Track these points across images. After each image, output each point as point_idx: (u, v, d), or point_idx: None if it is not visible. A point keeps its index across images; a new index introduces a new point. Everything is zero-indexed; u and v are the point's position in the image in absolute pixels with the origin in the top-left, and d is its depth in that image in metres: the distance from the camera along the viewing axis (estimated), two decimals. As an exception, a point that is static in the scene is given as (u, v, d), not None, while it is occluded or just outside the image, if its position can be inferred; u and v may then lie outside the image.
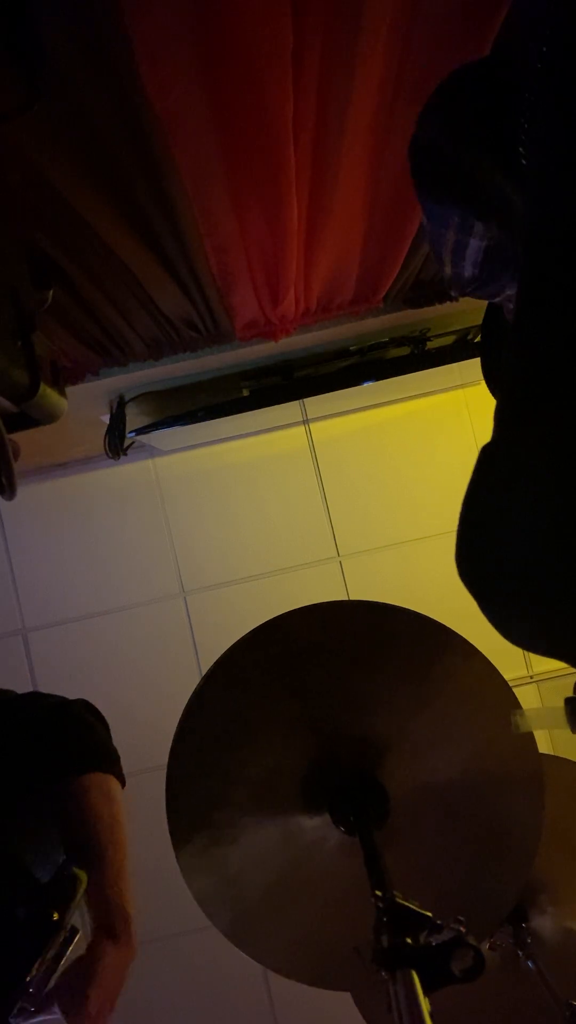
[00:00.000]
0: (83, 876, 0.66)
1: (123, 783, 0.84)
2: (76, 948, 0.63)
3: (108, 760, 0.83)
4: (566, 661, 0.45)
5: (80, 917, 0.66)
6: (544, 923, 1.14)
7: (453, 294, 0.67)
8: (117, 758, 0.85)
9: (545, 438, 0.40)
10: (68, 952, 0.61)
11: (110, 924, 0.69)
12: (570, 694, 0.69)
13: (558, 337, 0.41)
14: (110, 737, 0.88)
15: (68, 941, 0.61)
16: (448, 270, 0.63)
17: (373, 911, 0.74)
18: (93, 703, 0.94)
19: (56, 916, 0.61)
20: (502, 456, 0.44)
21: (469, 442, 2.08)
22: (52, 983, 0.59)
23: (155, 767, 0.93)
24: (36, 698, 0.87)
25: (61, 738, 0.81)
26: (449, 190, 0.56)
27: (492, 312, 0.81)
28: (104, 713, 0.95)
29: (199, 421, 1.51)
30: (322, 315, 1.26)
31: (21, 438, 0.93)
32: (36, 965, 0.57)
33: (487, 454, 0.44)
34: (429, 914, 0.70)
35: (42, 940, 0.59)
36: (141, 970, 0.72)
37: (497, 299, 0.66)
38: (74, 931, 0.62)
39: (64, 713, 0.85)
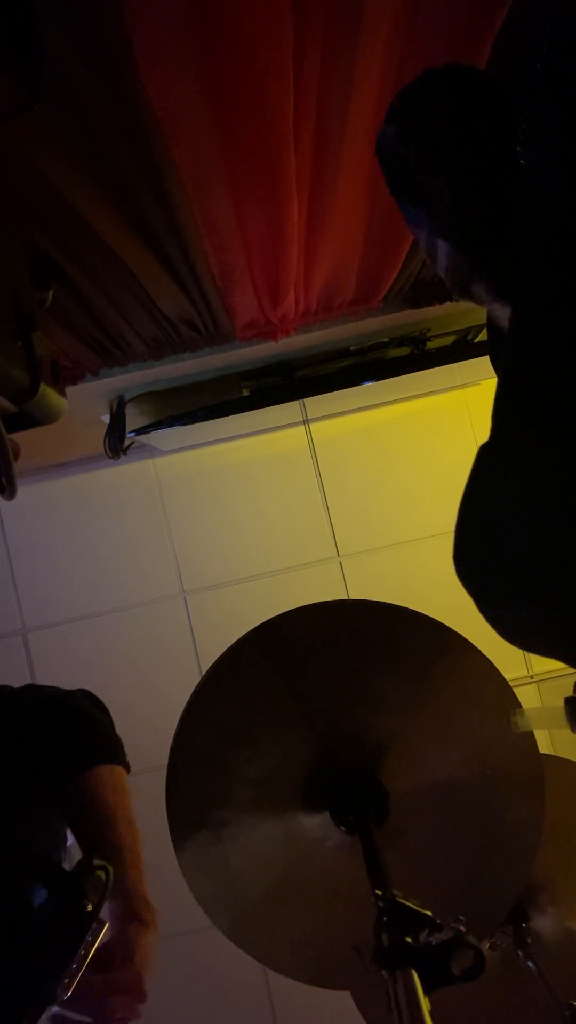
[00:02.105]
0: (110, 867, 0.67)
1: (128, 770, 0.85)
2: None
3: (114, 751, 0.83)
4: (563, 660, 0.45)
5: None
6: (544, 923, 1.14)
7: (454, 297, 0.67)
8: (121, 746, 0.86)
9: (543, 437, 0.40)
10: (97, 943, 0.62)
11: (137, 911, 0.72)
12: (570, 694, 0.69)
13: (556, 337, 0.41)
14: (112, 724, 0.89)
15: (97, 932, 0.62)
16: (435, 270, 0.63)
17: (373, 910, 0.74)
18: (93, 701, 0.94)
19: (90, 907, 0.62)
20: (500, 455, 0.44)
21: (469, 442, 2.08)
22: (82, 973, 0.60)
23: (155, 767, 0.93)
24: (35, 691, 0.87)
25: (67, 732, 0.81)
26: (412, 190, 0.57)
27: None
28: (104, 713, 0.95)
29: (199, 421, 1.51)
30: (322, 315, 1.26)
31: (21, 438, 0.93)
32: (74, 957, 0.58)
33: (485, 453, 0.45)
34: (429, 913, 0.70)
35: (79, 931, 0.60)
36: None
37: (487, 305, 0.66)
38: (102, 923, 0.63)
39: (67, 705, 0.85)
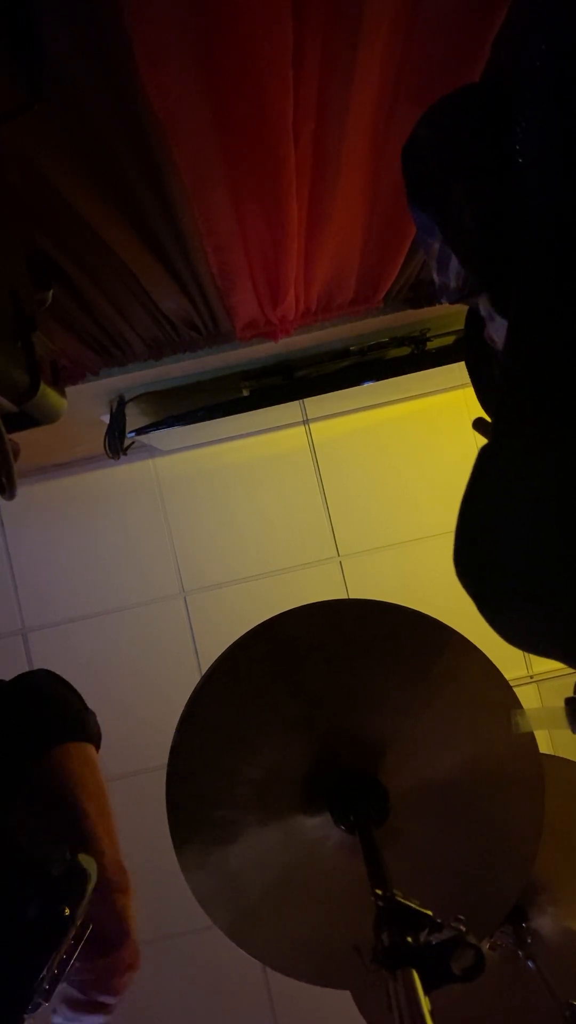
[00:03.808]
0: (92, 867, 0.67)
1: (98, 745, 0.84)
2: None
3: (79, 726, 0.82)
4: (562, 661, 0.45)
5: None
6: (544, 923, 1.15)
7: (443, 302, 0.67)
8: (85, 723, 0.84)
9: (543, 439, 0.40)
10: (80, 946, 0.62)
11: (116, 881, 0.72)
12: (570, 694, 0.69)
13: (556, 337, 0.41)
14: (81, 701, 0.87)
15: (80, 936, 0.62)
16: (436, 279, 0.63)
17: (373, 910, 0.74)
18: (93, 703, 0.93)
19: (67, 911, 0.61)
20: (500, 457, 0.44)
21: (469, 442, 2.08)
22: (66, 974, 0.60)
23: (155, 767, 0.93)
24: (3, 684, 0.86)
25: (27, 714, 0.80)
26: (433, 204, 0.57)
27: (472, 320, 0.81)
28: (104, 713, 0.94)
29: (199, 421, 1.51)
30: (322, 315, 1.26)
31: (21, 438, 0.93)
32: (48, 963, 0.58)
33: (485, 455, 0.45)
34: (429, 913, 0.70)
35: (54, 937, 0.59)
36: (141, 970, 0.72)
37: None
38: (85, 925, 0.63)
39: (25, 688, 0.84)
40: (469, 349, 0.74)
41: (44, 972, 0.57)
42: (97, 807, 0.75)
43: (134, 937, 0.70)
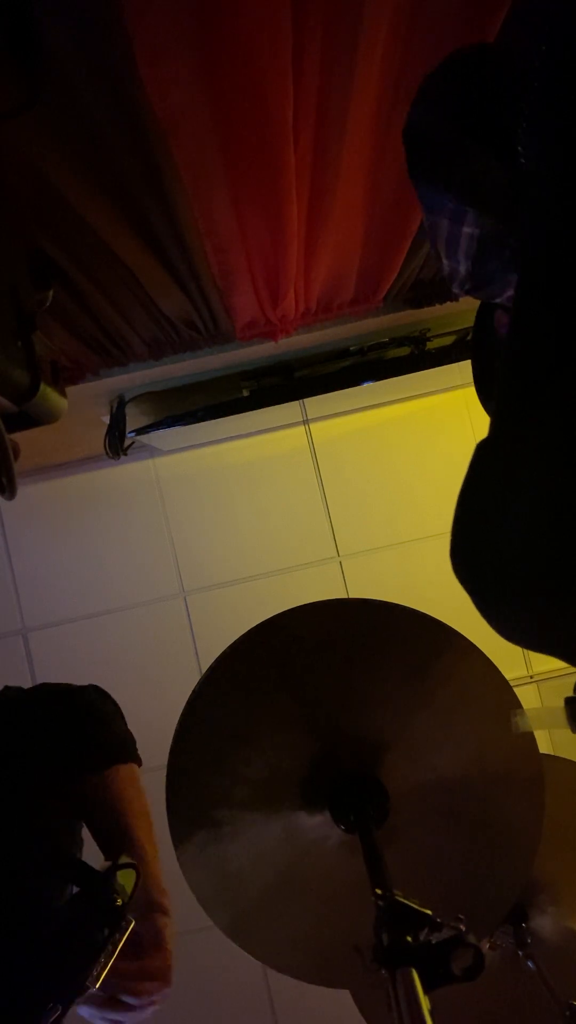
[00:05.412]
0: (137, 864, 0.69)
1: (140, 764, 0.87)
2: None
3: (127, 749, 0.85)
4: (560, 657, 0.45)
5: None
6: (544, 923, 1.15)
7: (454, 291, 0.66)
8: (134, 743, 0.87)
9: (541, 434, 0.40)
10: (124, 937, 0.64)
11: (158, 901, 0.75)
12: (570, 694, 0.69)
13: (556, 334, 0.41)
14: (124, 720, 0.90)
15: (124, 928, 0.65)
16: (445, 264, 0.63)
17: (373, 909, 0.74)
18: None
19: (120, 902, 0.64)
20: (498, 453, 0.44)
21: (469, 442, 2.07)
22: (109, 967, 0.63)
23: (155, 767, 0.93)
24: (46, 691, 0.88)
25: (84, 733, 0.83)
26: (442, 173, 0.56)
27: (483, 312, 0.81)
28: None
29: (199, 421, 1.51)
30: (322, 315, 1.26)
31: (21, 438, 0.93)
32: (107, 948, 0.61)
33: (483, 450, 0.45)
34: (429, 912, 0.70)
35: (110, 926, 0.63)
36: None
37: (498, 300, 0.66)
38: (129, 920, 0.65)
39: (80, 704, 0.86)
40: (476, 349, 0.73)
41: (101, 959, 0.60)
42: (145, 829, 0.79)
43: (170, 953, 0.73)
